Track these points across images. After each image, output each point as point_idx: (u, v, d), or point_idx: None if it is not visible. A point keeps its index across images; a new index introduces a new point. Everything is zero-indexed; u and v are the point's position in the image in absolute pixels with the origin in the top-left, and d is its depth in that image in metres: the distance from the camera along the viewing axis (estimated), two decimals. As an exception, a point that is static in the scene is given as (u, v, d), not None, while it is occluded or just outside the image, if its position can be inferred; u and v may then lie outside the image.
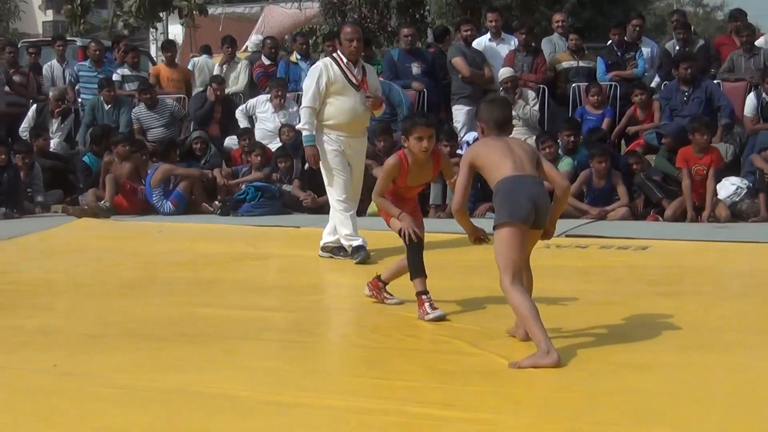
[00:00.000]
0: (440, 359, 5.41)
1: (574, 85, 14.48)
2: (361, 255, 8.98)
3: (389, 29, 25.58)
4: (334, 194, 9.29)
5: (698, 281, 7.61)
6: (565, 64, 14.77)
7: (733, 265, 8.62)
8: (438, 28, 18.23)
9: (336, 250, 9.27)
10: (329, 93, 9.12)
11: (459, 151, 13.04)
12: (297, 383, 4.89)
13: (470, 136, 13.46)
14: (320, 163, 9.25)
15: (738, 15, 15.14)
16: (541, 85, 14.42)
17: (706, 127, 11.66)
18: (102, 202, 13.54)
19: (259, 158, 14.09)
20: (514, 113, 13.68)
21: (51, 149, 15.84)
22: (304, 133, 9.24)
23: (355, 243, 9.08)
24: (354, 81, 9.14)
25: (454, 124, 14.22)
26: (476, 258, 8.05)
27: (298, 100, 15.88)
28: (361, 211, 10.21)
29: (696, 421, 4.06)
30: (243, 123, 15.50)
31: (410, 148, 6.55)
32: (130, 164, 14.11)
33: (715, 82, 13.71)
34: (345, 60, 9.17)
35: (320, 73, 9.14)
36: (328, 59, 9.37)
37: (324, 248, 9.40)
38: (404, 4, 25.28)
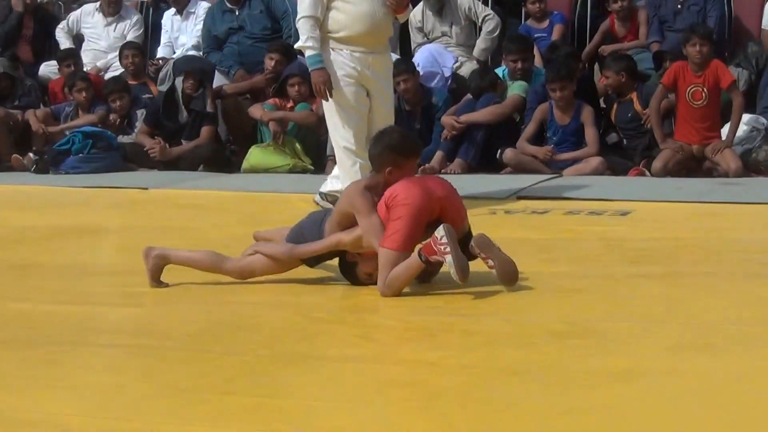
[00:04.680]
0: (344, 369, 5.46)
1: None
2: None
3: None
4: (339, 138, 9.49)
5: (696, 258, 7.71)
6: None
7: (744, 235, 8.71)
8: None
9: None
10: None
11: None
12: (148, 405, 4.89)
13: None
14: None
15: None
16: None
17: (701, 36, 11.77)
18: None
19: (84, 94, 13.98)
20: (445, 27, 13.82)
21: None
22: (308, 52, 9.35)
23: None
24: None
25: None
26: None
27: (142, 10, 15.84)
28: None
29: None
30: (66, 44, 15.39)
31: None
32: None
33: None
34: None
35: None
36: None
37: (326, 195, 9.54)
38: None
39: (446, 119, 12.50)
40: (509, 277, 6.69)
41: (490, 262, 6.64)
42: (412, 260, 6.63)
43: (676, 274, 7.21)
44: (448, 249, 6.42)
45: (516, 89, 12.72)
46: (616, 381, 4.98)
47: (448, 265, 6.46)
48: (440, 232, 6.49)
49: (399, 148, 7.06)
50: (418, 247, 6.75)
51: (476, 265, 6.60)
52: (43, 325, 6.36)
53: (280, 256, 7.07)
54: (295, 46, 10.13)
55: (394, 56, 13.24)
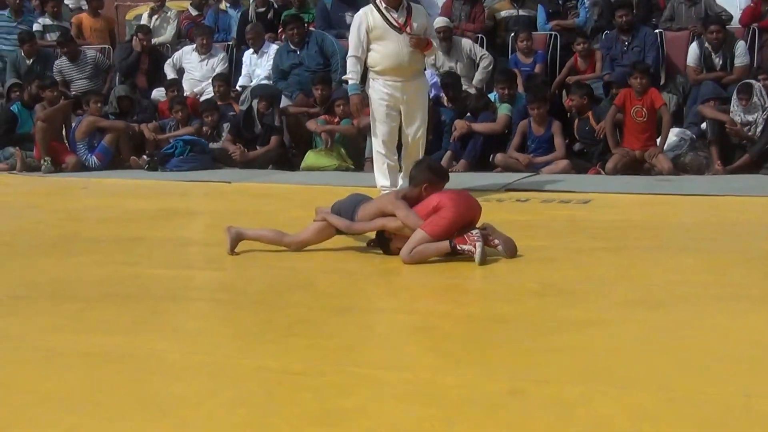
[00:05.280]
0: (376, 318, 5.42)
1: (513, 34, 14.46)
2: None
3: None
4: (375, 144, 9.65)
5: (642, 235, 7.63)
6: (504, 13, 14.76)
7: (677, 218, 8.66)
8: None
9: None
10: (371, 39, 9.37)
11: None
12: (228, 344, 4.85)
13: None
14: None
15: None
16: (480, 35, 14.40)
17: (641, 71, 11.71)
18: (42, 160, 13.49)
19: (180, 114, 13.98)
20: (452, 63, 13.73)
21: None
22: (350, 82, 9.58)
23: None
24: (395, 24, 9.27)
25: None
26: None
27: (228, 50, 15.81)
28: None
29: (640, 379, 4.04)
30: (171, 75, 15.39)
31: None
32: (62, 113, 14.02)
33: (656, 31, 13.76)
34: (384, 5, 9.33)
35: (360, 21, 9.41)
36: (369, 6, 9.54)
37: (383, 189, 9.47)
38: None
39: (460, 122, 12.46)
40: (511, 250, 6.68)
41: (496, 241, 6.65)
42: (443, 244, 6.57)
43: (626, 247, 7.12)
44: (480, 240, 6.45)
45: (504, 110, 12.66)
46: (580, 328, 4.91)
47: (477, 251, 6.42)
48: (476, 230, 6.57)
49: (436, 170, 7.16)
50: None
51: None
52: (150, 284, 6.30)
53: (339, 226, 7.00)
54: (343, 77, 10.19)
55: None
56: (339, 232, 7.07)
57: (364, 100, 9.62)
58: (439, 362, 4.41)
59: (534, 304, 5.49)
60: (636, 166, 11.67)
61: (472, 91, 13.57)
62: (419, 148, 9.51)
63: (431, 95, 12.95)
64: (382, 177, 9.45)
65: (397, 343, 4.84)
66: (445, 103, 13.25)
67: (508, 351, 4.57)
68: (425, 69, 9.83)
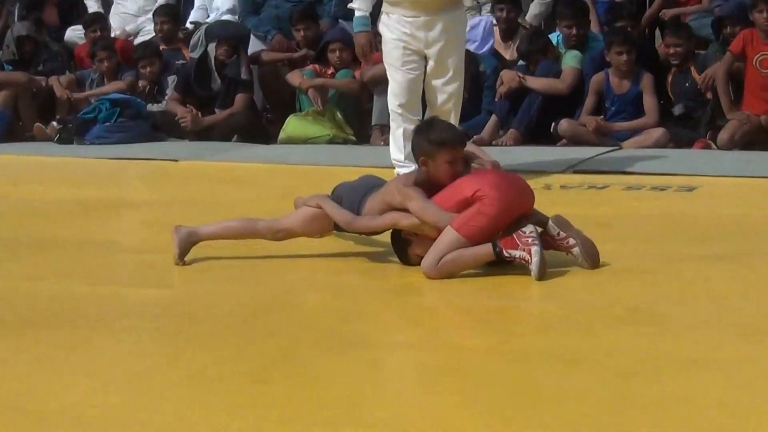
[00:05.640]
0: (387, 355, 5.42)
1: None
2: None
3: None
4: (389, 101, 9.65)
5: (770, 237, 7.64)
6: None
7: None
8: None
9: None
10: None
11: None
12: (174, 394, 4.80)
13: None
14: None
15: None
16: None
17: None
18: None
19: (105, 63, 13.95)
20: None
21: None
22: (357, 13, 9.54)
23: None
24: None
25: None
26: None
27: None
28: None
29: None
30: (94, 8, 15.40)
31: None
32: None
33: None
34: None
35: None
36: None
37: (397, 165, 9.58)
38: None
39: (509, 73, 12.41)
40: (592, 257, 6.64)
41: (570, 241, 6.62)
42: (484, 249, 6.53)
43: (748, 255, 7.09)
44: (536, 243, 6.39)
45: (570, 61, 12.54)
46: (684, 369, 4.88)
47: (533, 259, 6.36)
48: (529, 228, 6.49)
49: (432, 139, 6.94)
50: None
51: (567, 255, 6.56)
52: (64, 307, 6.31)
53: (337, 219, 6.96)
54: (348, 6, 10.11)
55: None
56: (337, 227, 7.02)
57: (374, 41, 9.60)
58: (478, 419, 4.36)
59: (618, 336, 5.45)
60: (761, 138, 11.64)
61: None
62: (452, 109, 9.42)
63: (483, 50, 12.96)
64: (397, 148, 9.40)
65: (417, 392, 4.83)
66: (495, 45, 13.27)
67: (580, 403, 4.49)
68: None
